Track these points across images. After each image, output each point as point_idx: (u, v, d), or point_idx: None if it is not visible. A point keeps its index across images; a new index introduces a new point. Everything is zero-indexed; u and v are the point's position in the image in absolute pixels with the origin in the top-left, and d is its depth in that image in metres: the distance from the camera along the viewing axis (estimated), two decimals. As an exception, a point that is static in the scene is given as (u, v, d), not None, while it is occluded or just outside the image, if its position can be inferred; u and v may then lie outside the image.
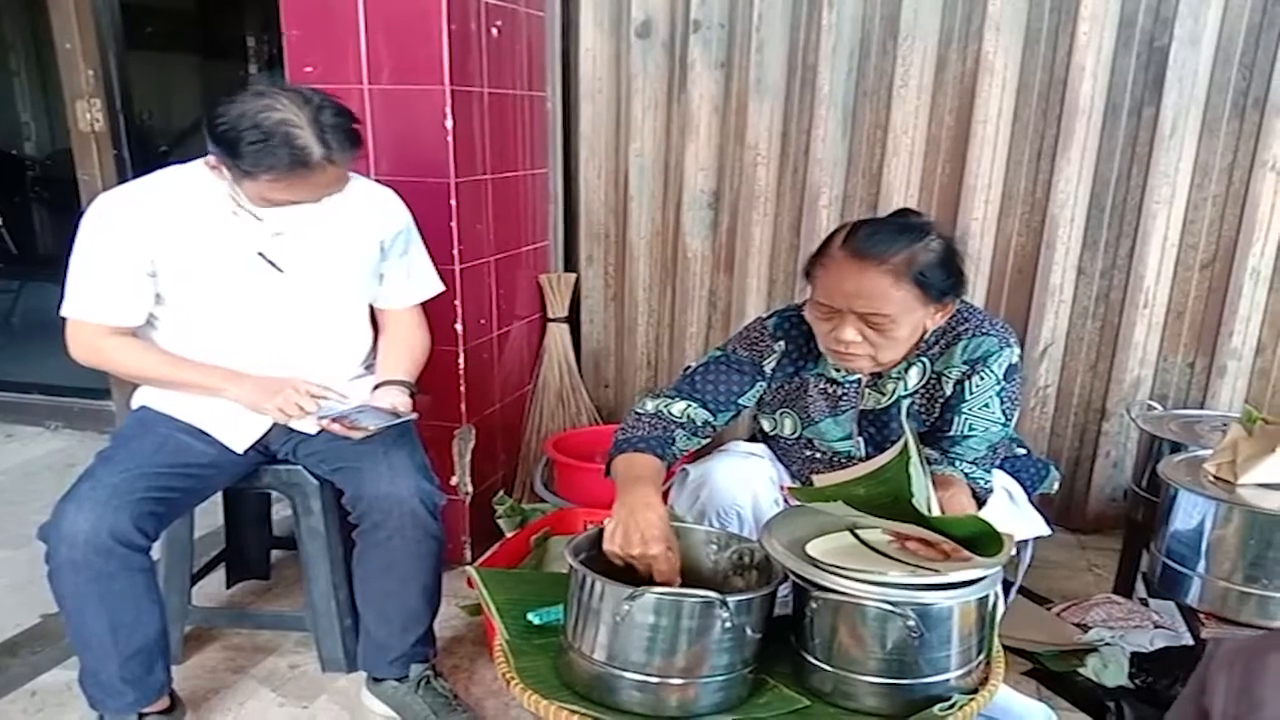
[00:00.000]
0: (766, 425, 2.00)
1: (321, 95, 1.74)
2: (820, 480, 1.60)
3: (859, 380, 1.86)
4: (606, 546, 1.56)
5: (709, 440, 1.90)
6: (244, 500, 2.38)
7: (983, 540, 1.48)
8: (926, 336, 1.79)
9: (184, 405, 1.93)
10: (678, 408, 1.84)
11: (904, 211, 1.87)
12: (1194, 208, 2.68)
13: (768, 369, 1.90)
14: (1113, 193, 2.71)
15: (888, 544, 1.56)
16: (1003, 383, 1.79)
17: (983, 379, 1.78)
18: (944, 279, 1.70)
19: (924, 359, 1.82)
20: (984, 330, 1.79)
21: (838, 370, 1.86)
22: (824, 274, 1.71)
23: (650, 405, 1.85)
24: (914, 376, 1.83)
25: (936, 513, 1.57)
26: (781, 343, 1.89)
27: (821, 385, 1.89)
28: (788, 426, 1.95)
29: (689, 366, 1.93)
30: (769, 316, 1.94)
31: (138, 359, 1.91)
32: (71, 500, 1.74)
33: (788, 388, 1.92)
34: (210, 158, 1.75)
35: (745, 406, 1.91)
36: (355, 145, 1.76)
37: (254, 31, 5.57)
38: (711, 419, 1.86)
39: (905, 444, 1.51)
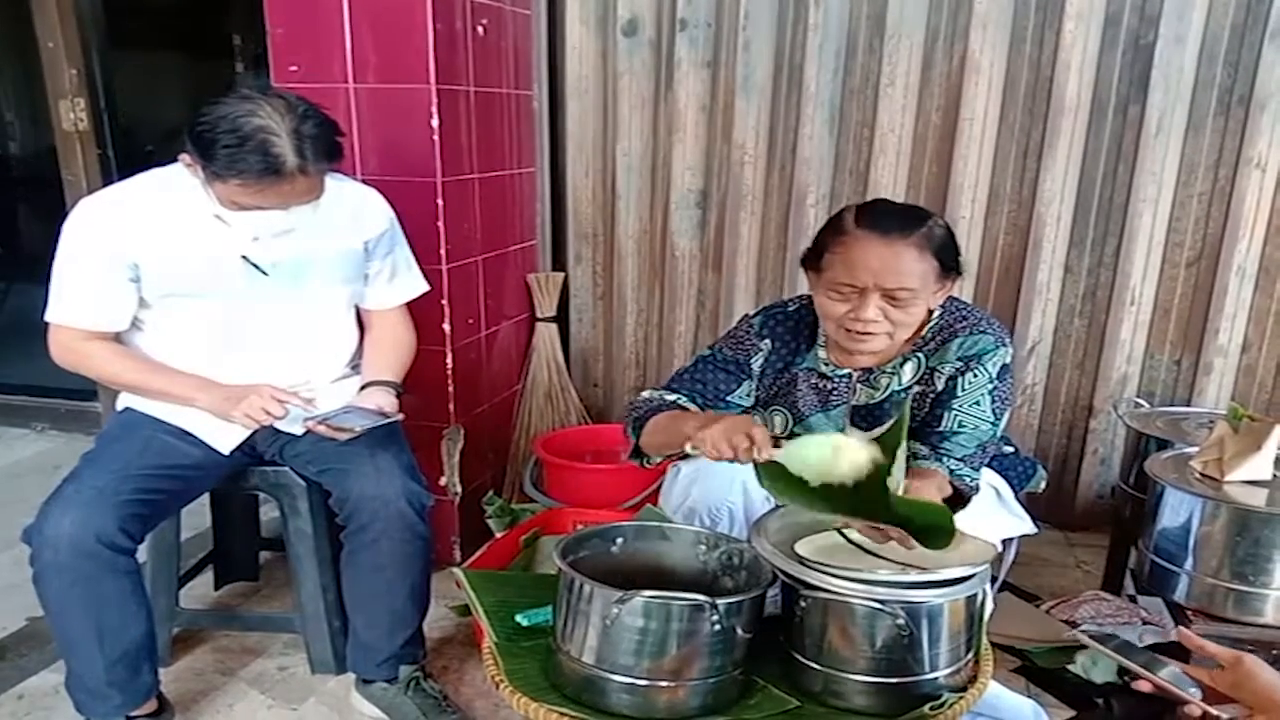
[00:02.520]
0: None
1: (308, 105, 1.72)
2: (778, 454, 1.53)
3: (849, 375, 1.86)
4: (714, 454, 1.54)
5: None
6: (231, 501, 2.37)
7: (935, 532, 1.46)
8: (924, 332, 1.80)
9: (169, 406, 1.92)
10: (671, 398, 1.85)
11: (884, 200, 1.88)
12: (1180, 205, 2.69)
13: (755, 367, 1.89)
14: (1099, 191, 2.72)
15: (873, 543, 1.56)
16: (995, 381, 1.79)
17: (976, 376, 1.78)
18: (952, 256, 1.74)
19: (919, 354, 1.83)
20: (981, 329, 1.80)
21: (827, 365, 1.86)
22: (843, 253, 1.69)
23: (645, 394, 1.87)
24: (909, 372, 1.83)
25: (902, 494, 1.53)
26: (767, 341, 1.89)
27: (812, 380, 1.89)
28: (778, 424, 1.95)
29: (679, 370, 1.94)
30: (755, 315, 1.94)
31: (114, 365, 1.90)
32: (56, 503, 1.73)
33: (778, 384, 1.92)
34: (186, 155, 1.74)
35: (738, 405, 1.91)
36: (333, 158, 1.75)
37: (239, 30, 5.53)
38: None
39: (899, 421, 1.49)
